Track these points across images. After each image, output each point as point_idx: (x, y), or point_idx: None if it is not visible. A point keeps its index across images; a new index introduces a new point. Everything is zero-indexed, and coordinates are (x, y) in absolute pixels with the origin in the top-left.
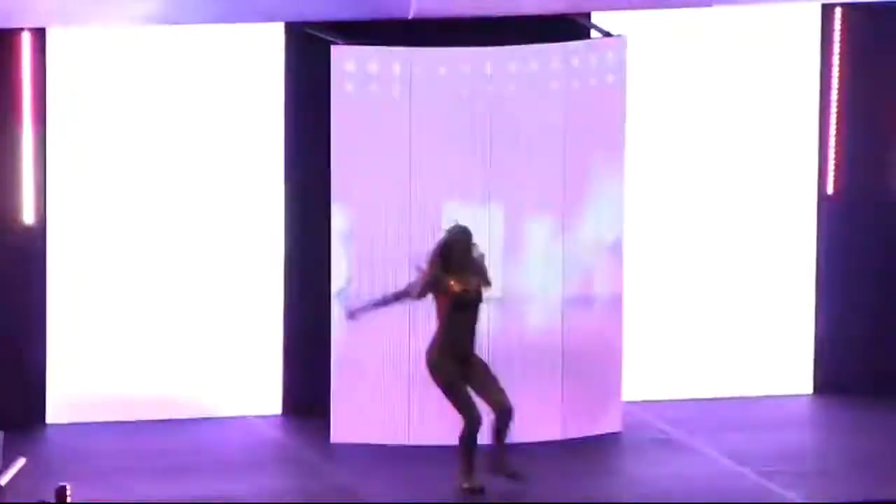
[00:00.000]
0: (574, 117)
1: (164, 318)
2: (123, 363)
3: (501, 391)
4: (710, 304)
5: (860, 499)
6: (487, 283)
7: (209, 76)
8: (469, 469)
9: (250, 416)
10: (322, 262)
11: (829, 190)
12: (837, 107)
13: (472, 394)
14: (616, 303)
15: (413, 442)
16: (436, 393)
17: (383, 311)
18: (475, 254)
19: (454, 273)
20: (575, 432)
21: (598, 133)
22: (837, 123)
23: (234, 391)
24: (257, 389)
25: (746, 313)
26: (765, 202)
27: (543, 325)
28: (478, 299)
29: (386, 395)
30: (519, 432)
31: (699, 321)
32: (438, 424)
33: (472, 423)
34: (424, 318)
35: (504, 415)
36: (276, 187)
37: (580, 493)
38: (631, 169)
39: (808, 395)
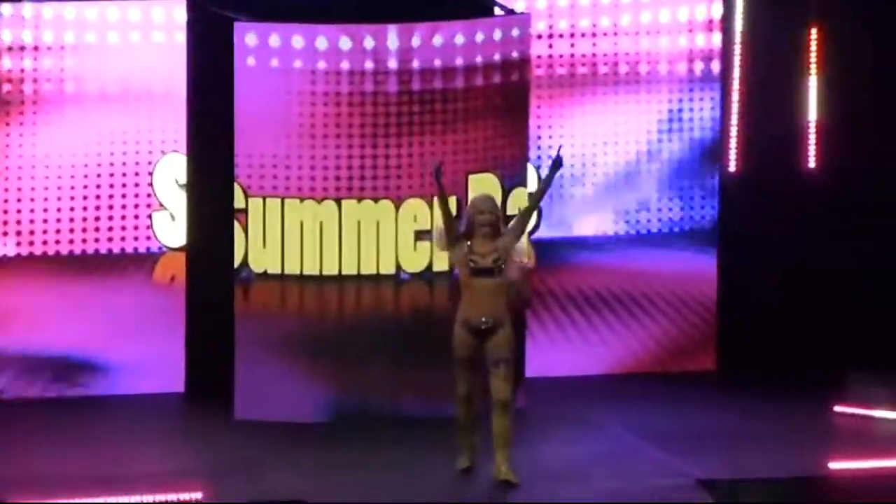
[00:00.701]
0: (476, 91)
1: (68, 296)
2: (28, 339)
3: (504, 380)
4: (614, 279)
5: (762, 474)
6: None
7: (115, 50)
8: (461, 448)
9: (154, 393)
10: (225, 239)
11: (732, 168)
12: (739, 84)
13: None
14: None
15: (318, 419)
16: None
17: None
18: (501, 222)
19: (474, 242)
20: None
21: (501, 108)
22: (740, 101)
23: (137, 369)
24: (161, 367)
25: (651, 289)
26: (669, 178)
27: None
28: (493, 269)
29: (290, 372)
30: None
31: (605, 296)
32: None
33: (456, 405)
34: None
35: (495, 405)
36: (179, 164)
37: (485, 471)
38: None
39: (710, 371)
